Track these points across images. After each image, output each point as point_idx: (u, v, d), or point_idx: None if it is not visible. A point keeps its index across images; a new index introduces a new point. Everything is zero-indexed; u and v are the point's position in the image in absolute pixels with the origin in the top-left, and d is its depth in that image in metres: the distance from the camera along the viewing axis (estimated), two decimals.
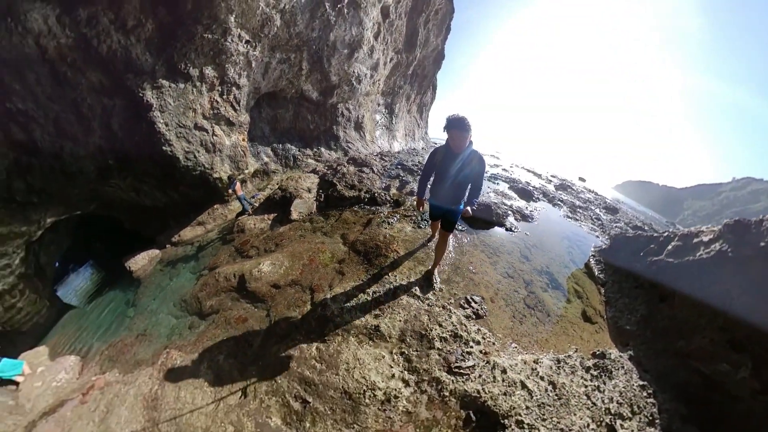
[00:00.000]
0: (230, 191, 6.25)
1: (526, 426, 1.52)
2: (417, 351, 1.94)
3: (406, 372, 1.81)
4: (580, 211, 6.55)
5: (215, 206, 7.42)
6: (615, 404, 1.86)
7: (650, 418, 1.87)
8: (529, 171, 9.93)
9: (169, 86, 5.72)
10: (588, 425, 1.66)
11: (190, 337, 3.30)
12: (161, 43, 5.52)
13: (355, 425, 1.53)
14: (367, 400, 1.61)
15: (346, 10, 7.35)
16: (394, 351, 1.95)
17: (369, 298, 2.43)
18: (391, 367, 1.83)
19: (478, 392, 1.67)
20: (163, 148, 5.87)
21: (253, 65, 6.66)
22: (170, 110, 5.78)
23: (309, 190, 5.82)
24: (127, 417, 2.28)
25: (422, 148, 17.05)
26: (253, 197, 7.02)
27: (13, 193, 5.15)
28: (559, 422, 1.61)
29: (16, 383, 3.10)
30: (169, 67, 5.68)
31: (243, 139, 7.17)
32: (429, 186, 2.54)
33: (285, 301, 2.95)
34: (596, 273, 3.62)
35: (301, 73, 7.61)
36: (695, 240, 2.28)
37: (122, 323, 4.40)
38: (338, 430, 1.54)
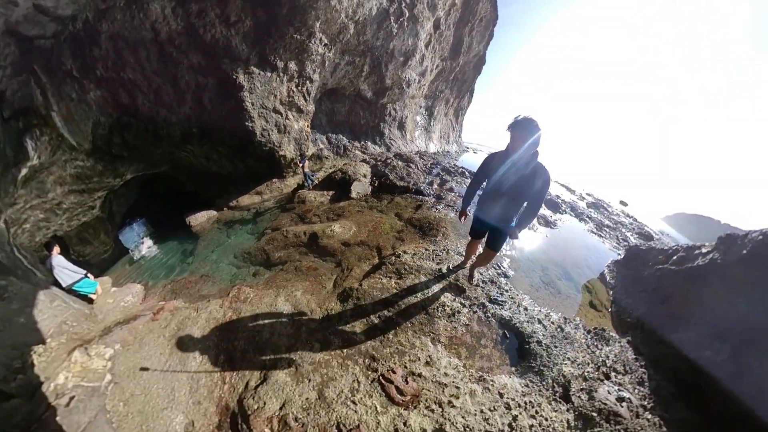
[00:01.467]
0: (300, 164, 7.26)
1: (543, 345, 2.30)
2: (468, 287, 2.75)
3: (462, 298, 2.63)
4: (607, 230, 6.80)
5: (273, 180, 8.51)
6: (611, 360, 2.51)
7: (640, 379, 2.36)
8: (562, 185, 10.12)
9: (259, 73, 6.74)
10: (588, 364, 2.37)
11: (257, 280, 3.76)
12: (256, 37, 6.44)
13: (431, 333, 2.33)
14: (439, 314, 2.45)
15: (406, 24, 8.19)
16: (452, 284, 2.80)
17: (430, 254, 3.30)
18: (453, 295, 2.67)
19: (510, 318, 2.46)
20: (246, 123, 6.95)
21: (326, 64, 7.71)
22: (257, 93, 6.84)
23: (365, 176, 6.78)
24: (200, 335, 2.50)
25: (455, 151, 17.60)
26: (313, 175, 8.02)
27: (111, 146, 6.13)
28: (566, 353, 2.35)
29: (91, 300, 3.48)
30: (260, 58, 6.67)
31: (307, 126, 8.27)
32: (477, 196, 2.30)
33: (355, 256, 3.68)
34: (608, 278, 4.22)
35: (361, 74, 8.57)
36: (696, 252, 2.88)
37: (182, 267, 4.95)
38: (417, 336, 2.25)
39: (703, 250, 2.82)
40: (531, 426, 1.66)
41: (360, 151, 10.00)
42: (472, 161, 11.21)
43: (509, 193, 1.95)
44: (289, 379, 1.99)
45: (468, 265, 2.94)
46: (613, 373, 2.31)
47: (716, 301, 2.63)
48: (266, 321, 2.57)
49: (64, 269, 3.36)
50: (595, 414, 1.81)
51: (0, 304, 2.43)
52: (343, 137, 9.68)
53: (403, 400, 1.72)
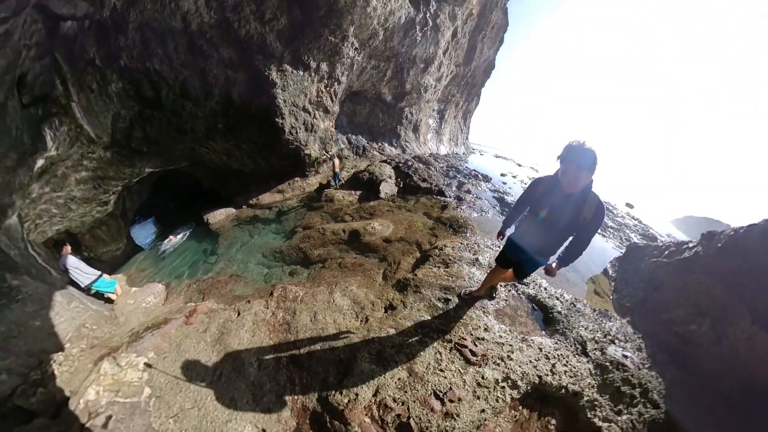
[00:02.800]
0: (330, 163, 7.63)
1: (562, 315, 2.95)
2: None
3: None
4: (611, 230, 7.34)
5: (296, 179, 8.61)
6: (614, 331, 3.16)
7: (639, 347, 3.00)
8: None
9: (292, 72, 6.87)
10: (597, 332, 3.02)
11: (297, 278, 3.87)
12: (291, 36, 6.52)
13: (481, 308, 2.85)
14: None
15: (429, 32, 8.70)
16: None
17: (465, 247, 3.93)
18: (486, 270, 3.29)
19: (535, 294, 3.11)
20: (276, 119, 7.21)
21: (354, 67, 8.20)
22: (289, 90, 7.00)
23: (390, 177, 7.34)
24: (249, 338, 2.38)
25: (463, 153, 18.19)
26: (339, 174, 8.46)
27: (131, 140, 5.81)
28: (580, 322, 2.98)
29: (110, 300, 3.32)
30: (294, 57, 6.79)
31: (332, 126, 8.75)
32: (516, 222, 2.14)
33: (398, 251, 4.12)
34: (610, 272, 4.91)
35: (384, 78, 9.08)
36: (684, 246, 3.54)
37: (205, 267, 4.81)
38: (473, 311, 2.71)
39: (690, 245, 3.50)
40: (565, 371, 2.30)
41: (377, 152, 10.54)
42: (481, 163, 11.75)
43: (555, 223, 1.73)
44: (375, 366, 2.07)
45: (483, 292, 2.78)
46: (616, 340, 2.96)
47: (698, 284, 3.30)
48: (327, 317, 2.59)
49: (78, 269, 3.25)
50: (608, 364, 2.46)
51: (14, 306, 2.22)
52: (362, 138, 10.20)
53: (476, 360, 2.18)
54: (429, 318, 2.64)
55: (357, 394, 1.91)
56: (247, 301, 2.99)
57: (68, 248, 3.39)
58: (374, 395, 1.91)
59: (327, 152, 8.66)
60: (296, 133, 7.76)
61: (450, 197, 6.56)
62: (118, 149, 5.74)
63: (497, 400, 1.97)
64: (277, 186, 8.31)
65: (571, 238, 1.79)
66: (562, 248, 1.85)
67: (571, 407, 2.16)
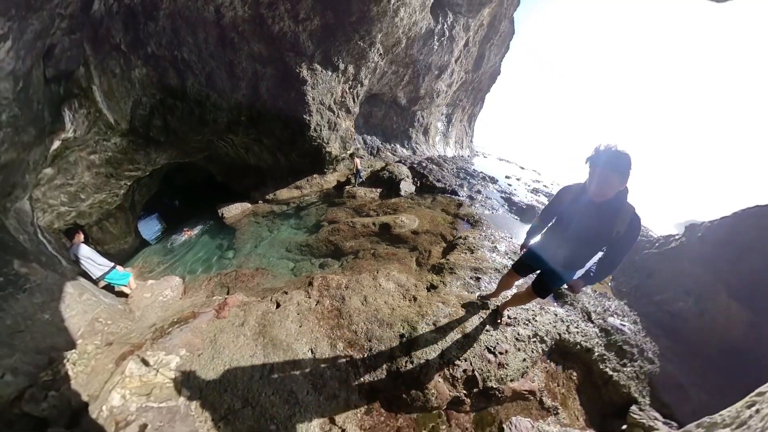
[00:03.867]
0: (352, 161, 8.03)
1: (568, 294, 3.55)
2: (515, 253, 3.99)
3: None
4: None
5: (314, 176, 8.92)
6: (613, 308, 3.74)
7: (634, 321, 3.37)
8: None
9: (321, 71, 7.15)
10: (598, 306, 3.57)
11: (331, 269, 4.12)
12: (322, 37, 6.77)
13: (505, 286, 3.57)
14: (504, 270, 3.66)
15: (445, 42, 9.30)
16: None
17: (484, 237, 4.51)
18: (509, 260, 3.89)
19: None
20: (304, 116, 7.37)
21: (377, 72, 8.66)
22: (318, 89, 7.26)
23: (408, 177, 7.89)
24: (297, 329, 2.35)
25: (468, 156, 18.90)
26: (361, 172, 8.81)
27: (150, 129, 5.61)
28: (583, 298, 3.56)
29: (123, 294, 3.14)
30: (324, 57, 7.06)
31: (352, 126, 9.23)
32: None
33: (426, 241, 4.64)
34: None
35: (401, 83, 9.64)
36: (671, 238, 4.20)
37: (222, 262, 4.83)
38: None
39: (676, 237, 4.14)
40: (577, 332, 2.88)
41: (390, 153, 11.08)
42: (486, 166, 12.35)
43: (582, 234, 1.61)
44: (435, 334, 2.33)
45: (498, 302, 2.72)
46: (615, 314, 3.55)
47: (683, 269, 3.94)
48: (378, 299, 2.74)
49: (91, 259, 3.08)
50: (610, 329, 3.06)
51: (21, 296, 1.97)
52: (377, 139, 10.74)
53: (510, 321, 2.70)
54: (466, 293, 3.18)
55: (427, 360, 2.11)
56: (284, 293, 2.94)
57: (81, 236, 3.16)
58: (440, 357, 2.16)
59: (346, 151, 9.14)
60: (320, 130, 8.09)
61: (463, 196, 7.14)
62: (135, 138, 5.58)
63: (532, 351, 2.52)
64: (294, 182, 8.44)
65: (600, 253, 1.63)
66: (590, 263, 1.69)
67: (585, 361, 2.73)
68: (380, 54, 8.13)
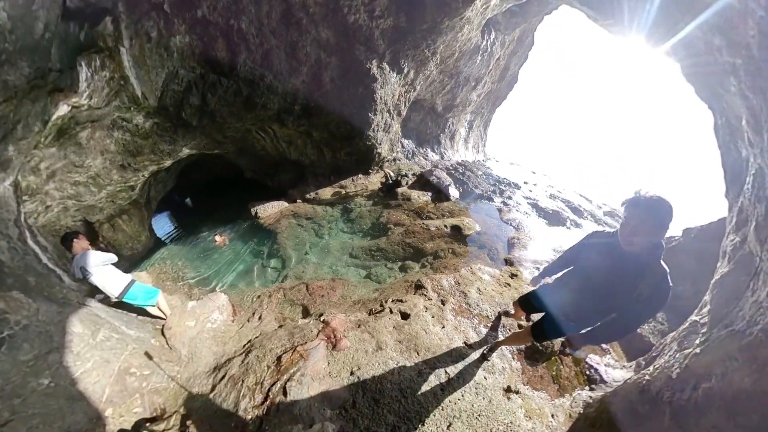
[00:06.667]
0: (395, 163, 8.68)
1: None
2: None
3: None
4: None
5: (359, 175, 9.18)
6: None
7: None
8: (581, 196, 10.92)
9: (389, 71, 7.21)
10: None
11: (413, 271, 4.36)
12: (393, 38, 6.72)
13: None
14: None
15: (486, 57, 10.24)
16: None
17: (530, 239, 5.84)
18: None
19: None
20: (369, 113, 7.47)
21: (428, 80, 9.17)
22: (386, 89, 7.40)
23: (451, 183, 8.97)
24: (440, 331, 2.41)
25: (482, 160, 20.03)
26: (406, 174, 9.40)
27: (182, 108, 4.78)
28: None
29: (156, 316, 2.41)
30: (393, 58, 7.08)
31: (398, 129, 9.98)
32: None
33: (489, 241, 5.54)
34: None
35: (442, 91, 10.50)
36: (671, 239, 5.64)
37: (268, 273, 4.33)
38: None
39: (675, 237, 5.61)
40: None
41: (422, 157, 12.05)
42: (502, 170, 13.20)
43: (598, 286, 1.48)
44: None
45: (499, 338, 2.63)
46: None
47: (680, 266, 5.39)
48: (488, 288, 3.57)
49: (104, 272, 2.18)
50: None
51: None
52: (412, 143, 11.67)
53: None
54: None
55: None
56: (399, 300, 2.83)
57: (84, 241, 2.28)
58: None
59: (393, 153, 10.00)
60: (376, 131, 8.32)
61: (498, 203, 8.37)
62: (162, 120, 4.77)
63: None
64: (338, 181, 8.32)
65: (614, 315, 1.45)
66: (599, 323, 1.50)
67: None
68: (436, 64, 8.49)
